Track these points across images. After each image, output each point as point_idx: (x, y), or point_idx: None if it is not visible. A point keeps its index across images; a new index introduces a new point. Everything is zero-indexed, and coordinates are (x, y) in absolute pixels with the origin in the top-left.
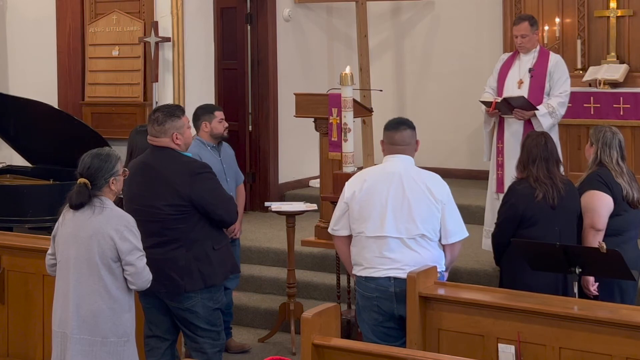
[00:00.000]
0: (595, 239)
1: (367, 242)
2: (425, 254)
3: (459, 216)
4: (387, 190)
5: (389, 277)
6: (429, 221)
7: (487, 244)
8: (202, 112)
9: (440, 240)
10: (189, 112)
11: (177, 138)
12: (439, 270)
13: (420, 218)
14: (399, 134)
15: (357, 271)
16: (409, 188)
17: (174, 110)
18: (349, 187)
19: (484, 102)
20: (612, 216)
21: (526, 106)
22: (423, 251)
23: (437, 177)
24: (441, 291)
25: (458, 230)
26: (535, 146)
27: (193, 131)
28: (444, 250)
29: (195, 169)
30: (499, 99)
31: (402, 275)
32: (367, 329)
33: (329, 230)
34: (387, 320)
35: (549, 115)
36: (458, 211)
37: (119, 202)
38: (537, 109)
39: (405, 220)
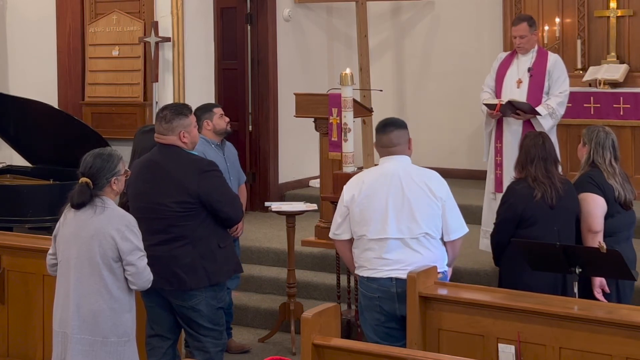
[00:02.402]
0: (595, 241)
1: (370, 244)
2: (427, 254)
3: (459, 213)
4: (387, 191)
5: (391, 278)
6: (430, 219)
7: (484, 244)
8: (202, 112)
9: (442, 237)
10: None
11: (184, 136)
12: (441, 270)
13: (422, 217)
14: (386, 136)
15: (360, 272)
16: (408, 188)
17: (182, 109)
18: (347, 190)
19: (487, 105)
20: (606, 218)
21: (530, 112)
22: (425, 251)
23: (435, 175)
24: (441, 291)
25: (459, 227)
26: (534, 146)
27: None
28: (446, 248)
29: (203, 166)
30: (504, 102)
31: (404, 275)
32: (369, 329)
33: (331, 235)
34: (389, 320)
35: (550, 116)
36: (458, 208)
37: (124, 202)
38: (539, 114)
39: (407, 220)
